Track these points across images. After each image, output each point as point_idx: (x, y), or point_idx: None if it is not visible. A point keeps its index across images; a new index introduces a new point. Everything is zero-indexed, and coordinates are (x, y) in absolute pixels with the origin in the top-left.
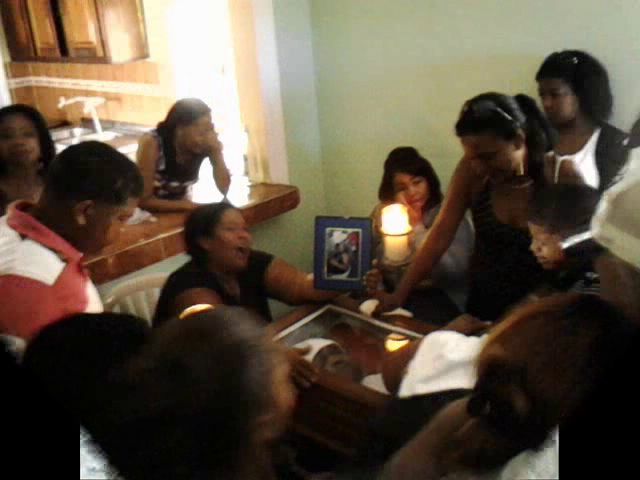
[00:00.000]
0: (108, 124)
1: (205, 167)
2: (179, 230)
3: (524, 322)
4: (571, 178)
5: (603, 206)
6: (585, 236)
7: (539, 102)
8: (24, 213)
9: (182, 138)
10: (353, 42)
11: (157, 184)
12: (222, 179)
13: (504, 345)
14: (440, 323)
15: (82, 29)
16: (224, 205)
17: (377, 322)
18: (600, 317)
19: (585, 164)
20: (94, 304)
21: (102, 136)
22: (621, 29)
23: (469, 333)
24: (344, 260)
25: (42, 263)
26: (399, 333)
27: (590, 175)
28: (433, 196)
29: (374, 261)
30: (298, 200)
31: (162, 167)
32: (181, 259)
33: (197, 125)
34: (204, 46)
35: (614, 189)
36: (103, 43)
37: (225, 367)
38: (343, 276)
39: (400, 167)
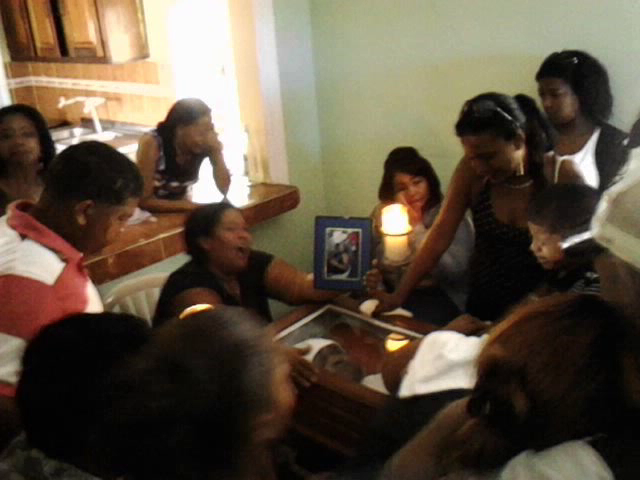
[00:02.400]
0: (108, 124)
1: (205, 167)
2: (179, 230)
3: (524, 322)
4: (571, 178)
5: (603, 206)
6: (585, 236)
7: (539, 102)
8: (24, 213)
9: (182, 138)
10: (353, 42)
11: (157, 184)
12: (222, 179)
13: (504, 345)
14: (440, 323)
15: (82, 29)
16: (224, 205)
17: (377, 322)
18: (600, 317)
19: (585, 164)
20: (94, 304)
21: (102, 136)
22: (621, 29)
23: (469, 333)
24: (344, 260)
25: (42, 263)
26: (399, 333)
27: (590, 175)
28: (433, 196)
29: (374, 261)
30: (298, 200)
31: (162, 167)
32: (181, 259)
33: (197, 125)
34: (204, 46)
35: (614, 189)
36: (103, 43)
37: (225, 367)
38: (343, 276)
39: (400, 167)
